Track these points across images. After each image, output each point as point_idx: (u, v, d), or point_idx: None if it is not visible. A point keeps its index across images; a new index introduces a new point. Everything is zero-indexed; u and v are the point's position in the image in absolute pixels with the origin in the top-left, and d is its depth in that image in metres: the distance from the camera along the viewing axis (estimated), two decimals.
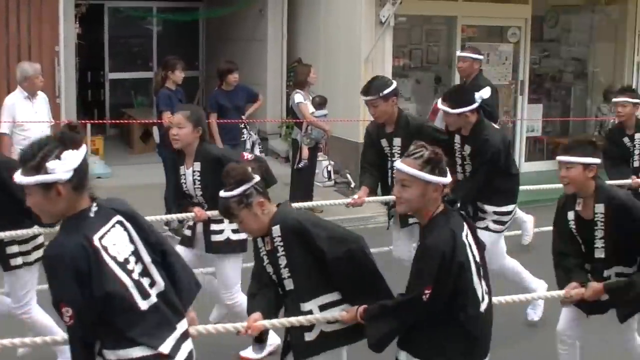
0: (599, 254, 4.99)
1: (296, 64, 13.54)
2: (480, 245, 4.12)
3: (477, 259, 4.00)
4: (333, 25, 12.96)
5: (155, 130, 10.27)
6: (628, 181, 7.88)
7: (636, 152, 8.25)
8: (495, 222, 6.72)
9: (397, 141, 6.68)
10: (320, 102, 10.95)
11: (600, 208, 4.91)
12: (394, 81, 6.91)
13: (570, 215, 5.06)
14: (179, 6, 16.01)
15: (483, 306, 3.99)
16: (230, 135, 10.46)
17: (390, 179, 6.69)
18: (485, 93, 6.56)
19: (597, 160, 4.91)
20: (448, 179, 4.03)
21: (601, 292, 4.76)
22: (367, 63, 12.09)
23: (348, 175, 12.40)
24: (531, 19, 14.04)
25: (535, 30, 14.56)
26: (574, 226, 5.06)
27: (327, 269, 4.24)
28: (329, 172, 12.26)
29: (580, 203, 4.99)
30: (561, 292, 4.91)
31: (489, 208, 6.70)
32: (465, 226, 4.05)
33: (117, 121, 14.67)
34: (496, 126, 7.64)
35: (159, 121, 9.99)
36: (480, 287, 3.97)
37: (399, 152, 6.56)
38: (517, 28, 13.88)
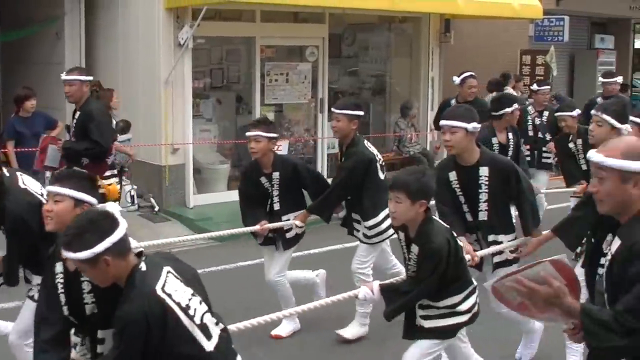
0: (89, 310, 4.10)
1: (96, 87, 13.37)
2: None
3: None
4: (132, 48, 12.88)
5: None
6: (256, 227, 7.17)
7: (274, 192, 7.28)
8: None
9: None
10: (124, 127, 10.91)
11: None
12: None
13: (58, 267, 4.17)
14: None
15: None
16: (28, 163, 10.26)
17: None
18: None
19: (91, 200, 4.28)
20: None
21: None
22: (167, 85, 12.10)
23: (152, 199, 12.34)
24: (329, 37, 14.35)
25: (333, 49, 14.91)
26: (61, 280, 4.16)
27: None
28: (132, 196, 12.16)
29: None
30: None
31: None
32: None
33: None
34: None
35: None
36: None
37: None
38: (315, 47, 14.17)
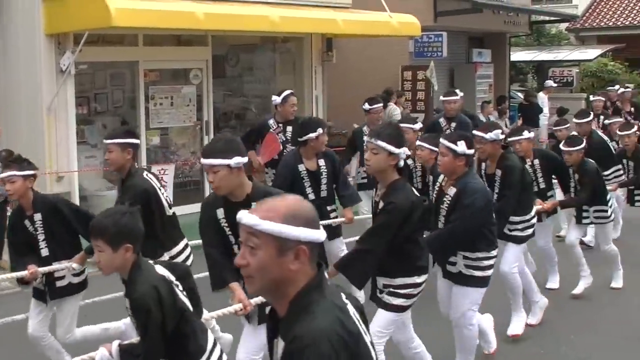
0: None
1: None
2: None
3: None
4: (13, 75, 12.66)
5: None
6: (24, 272, 6.36)
7: (40, 237, 6.53)
8: None
9: None
10: (6, 157, 10.72)
11: None
12: None
13: None
14: None
15: None
16: None
17: None
18: None
19: None
20: None
21: None
22: (49, 112, 11.96)
23: None
24: (212, 59, 14.46)
25: (217, 70, 15.02)
26: None
27: None
28: None
29: None
30: None
31: None
32: None
33: None
34: None
35: None
36: None
37: None
38: (199, 69, 14.24)
